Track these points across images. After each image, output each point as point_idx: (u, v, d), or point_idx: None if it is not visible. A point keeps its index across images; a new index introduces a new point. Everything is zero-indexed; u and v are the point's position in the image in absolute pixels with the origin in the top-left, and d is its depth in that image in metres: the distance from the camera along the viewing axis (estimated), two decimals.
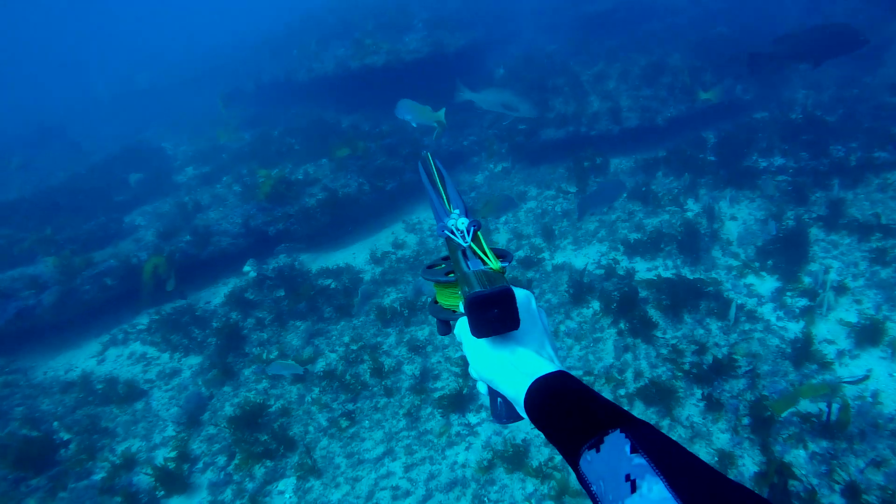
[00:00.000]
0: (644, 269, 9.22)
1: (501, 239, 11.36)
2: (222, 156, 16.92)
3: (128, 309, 10.04)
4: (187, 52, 29.71)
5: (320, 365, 8.07)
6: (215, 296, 10.32)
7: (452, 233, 1.53)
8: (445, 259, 1.69)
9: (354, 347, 8.32)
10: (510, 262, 1.50)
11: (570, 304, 8.47)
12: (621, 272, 9.02)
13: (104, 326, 9.93)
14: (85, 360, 9.24)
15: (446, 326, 1.59)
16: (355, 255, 11.21)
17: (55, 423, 7.96)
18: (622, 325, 7.70)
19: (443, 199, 1.66)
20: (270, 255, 11.39)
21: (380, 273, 10.38)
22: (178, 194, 13.90)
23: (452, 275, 1.51)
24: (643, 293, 8.25)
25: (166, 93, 25.31)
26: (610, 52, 17.99)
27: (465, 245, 1.48)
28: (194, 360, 8.77)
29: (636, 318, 7.55)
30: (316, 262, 11.19)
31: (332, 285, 10.15)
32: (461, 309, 1.44)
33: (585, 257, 10.04)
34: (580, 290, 8.56)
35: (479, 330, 1.26)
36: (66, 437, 7.52)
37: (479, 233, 1.53)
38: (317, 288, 10.07)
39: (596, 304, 8.35)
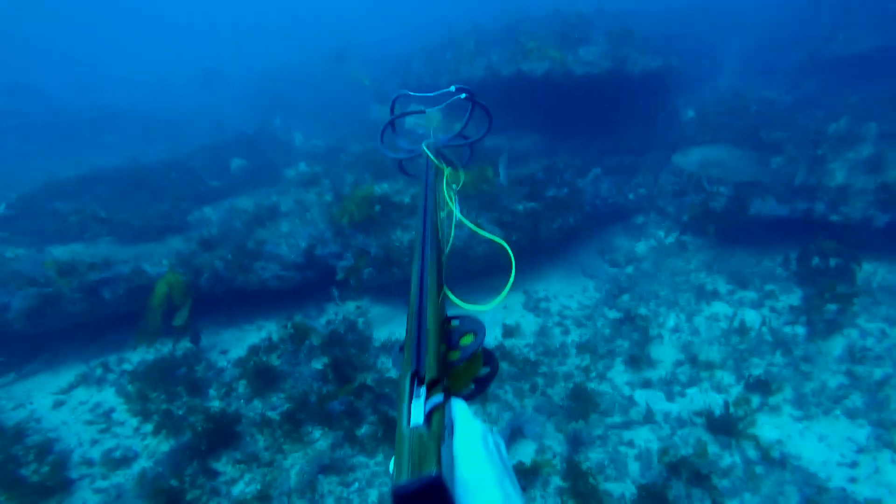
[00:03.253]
0: None
1: (667, 356, 6.90)
2: (340, 157, 14.14)
3: (130, 332, 7.15)
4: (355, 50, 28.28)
5: None
6: (239, 343, 7.08)
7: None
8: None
9: None
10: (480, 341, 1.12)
11: None
12: None
13: (96, 349, 7.12)
14: (45, 395, 6.41)
15: None
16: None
17: None
18: None
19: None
20: (331, 300, 7.98)
21: None
22: (268, 192, 11.15)
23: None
24: None
25: (322, 86, 23.70)
26: (860, 106, 12.57)
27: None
28: (161, 447, 5.51)
29: None
30: (387, 325, 7.56)
31: (395, 373, 6.45)
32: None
33: (824, 444, 5.31)
34: None
35: None
36: None
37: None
38: (369, 369, 6.45)
39: None
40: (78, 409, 6.11)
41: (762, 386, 6.09)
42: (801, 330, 7.03)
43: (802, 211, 8.40)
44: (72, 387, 6.44)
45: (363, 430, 5.51)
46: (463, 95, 2.60)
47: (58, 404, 6.20)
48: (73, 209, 9.70)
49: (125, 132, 20.90)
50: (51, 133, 19.54)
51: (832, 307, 7.21)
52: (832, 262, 8.00)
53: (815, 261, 8.14)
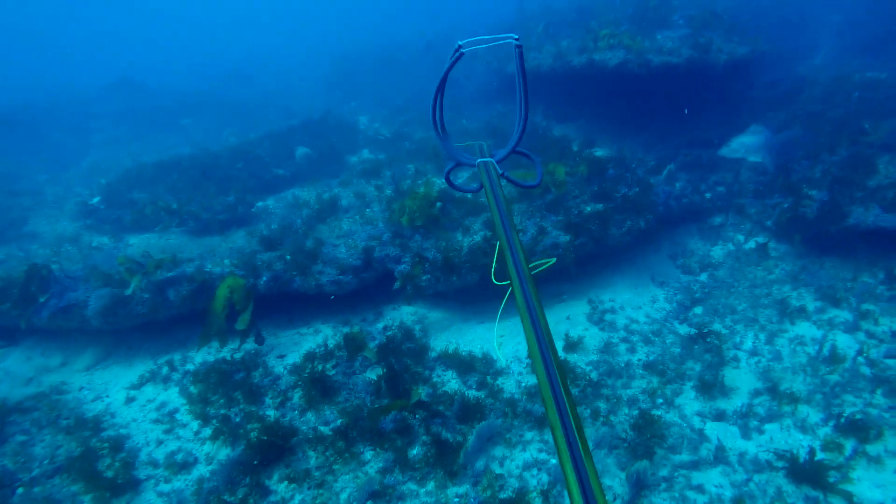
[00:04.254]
0: None
1: (743, 383, 6.24)
2: (404, 144, 13.88)
3: (194, 328, 7.26)
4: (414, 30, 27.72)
5: None
6: (296, 347, 7.03)
7: None
8: None
9: None
10: None
11: None
12: None
13: (164, 344, 7.30)
14: (119, 389, 6.62)
15: None
16: (503, 341, 7.06)
17: (20, 490, 5.36)
18: None
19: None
20: (390, 301, 7.80)
21: (526, 389, 6.14)
22: (329, 183, 11.07)
23: None
24: None
25: (387, 65, 23.37)
26: None
27: None
28: (220, 453, 5.55)
29: None
30: (444, 333, 7.29)
31: (450, 387, 6.18)
32: None
33: None
34: None
35: None
36: None
37: None
38: (425, 381, 6.23)
39: None
40: (146, 407, 6.27)
41: (857, 429, 5.37)
42: None
43: None
44: (142, 382, 6.62)
45: (415, 452, 5.30)
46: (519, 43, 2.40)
47: (129, 400, 6.39)
48: (149, 200, 10.01)
49: (201, 116, 21.59)
50: (137, 118, 20.46)
51: None
52: None
53: None
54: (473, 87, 16.80)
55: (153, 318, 6.92)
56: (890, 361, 6.22)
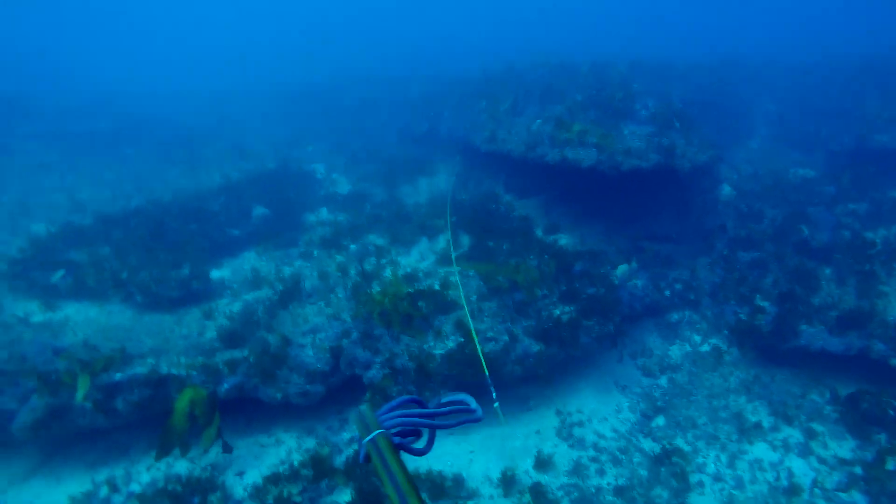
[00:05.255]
0: None
1: None
2: (366, 206, 13.64)
3: (141, 435, 6.64)
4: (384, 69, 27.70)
5: None
6: (257, 462, 6.56)
7: None
8: None
9: None
10: None
11: None
12: None
13: (103, 450, 6.61)
14: None
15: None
16: (473, 458, 6.89)
17: None
18: None
19: None
20: (356, 404, 7.47)
21: None
22: (288, 252, 10.65)
23: None
24: None
25: (349, 113, 22.99)
26: None
27: None
28: None
29: None
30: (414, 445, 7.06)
31: None
32: None
33: None
34: None
35: None
36: None
37: None
38: None
39: None
40: None
41: None
42: (858, 498, 6.51)
43: (858, 349, 7.88)
44: None
45: None
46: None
47: None
48: (91, 263, 9.22)
49: (144, 145, 20.45)
50: (71, 141, 19.04)
51: None
52: (891, 412, 7.48)
53: (864, 406, 7.62)
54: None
55: (95, 429, 6.26)
56: (842, 495, 6.57)
